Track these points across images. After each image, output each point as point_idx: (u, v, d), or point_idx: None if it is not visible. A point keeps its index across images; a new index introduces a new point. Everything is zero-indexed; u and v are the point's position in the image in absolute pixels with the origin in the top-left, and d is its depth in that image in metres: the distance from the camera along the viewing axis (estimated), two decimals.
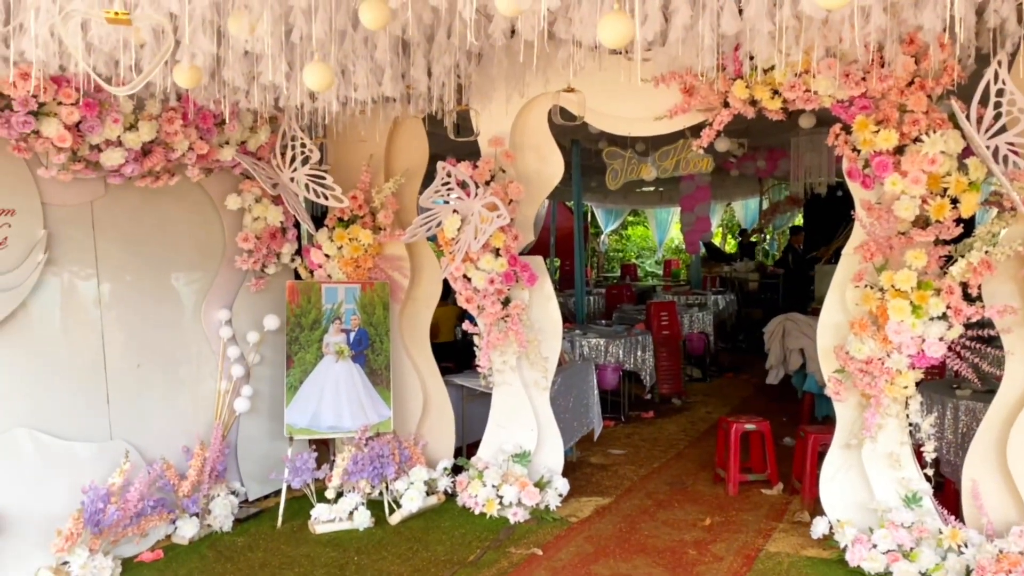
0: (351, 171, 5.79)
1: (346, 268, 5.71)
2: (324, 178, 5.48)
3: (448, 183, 5.30)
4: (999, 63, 3.97)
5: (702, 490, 5.81)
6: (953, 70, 4.09)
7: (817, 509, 4.89)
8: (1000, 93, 4.01)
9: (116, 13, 2.31)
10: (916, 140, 4.15)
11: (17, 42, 3.19)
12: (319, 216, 6.10)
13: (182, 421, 5.25)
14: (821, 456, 4.98)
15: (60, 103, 4.05)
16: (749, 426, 5.77)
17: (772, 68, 4.35)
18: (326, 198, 5.49)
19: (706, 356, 10.15)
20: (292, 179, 5.48)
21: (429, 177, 5.57)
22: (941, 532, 4.31)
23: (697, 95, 4.71)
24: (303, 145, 5.46)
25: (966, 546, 4.22)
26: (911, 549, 4.29)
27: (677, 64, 4.64)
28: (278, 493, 5.39)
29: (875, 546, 4.35)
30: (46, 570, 4.21)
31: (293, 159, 5.48)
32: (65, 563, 4.24)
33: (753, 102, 4.56)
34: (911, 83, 4.18)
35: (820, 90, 4.32)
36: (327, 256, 5.73)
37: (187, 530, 4.91)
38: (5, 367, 4.35)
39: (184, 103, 4.58)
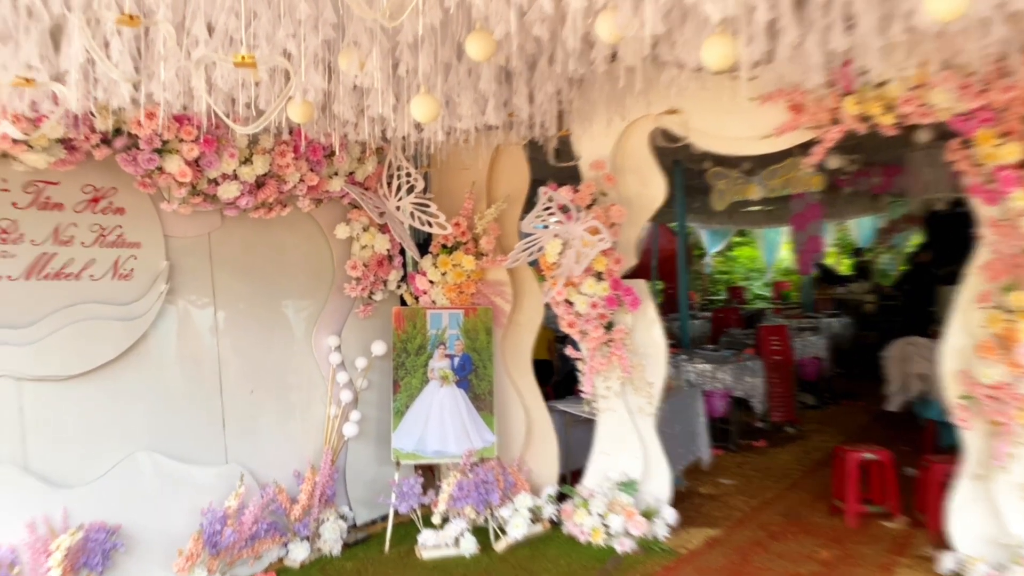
0: (454, 198, 5.88)
1: (450, 294, 5.79)
2: (428, 206, 5.60)
3: (549, 208, 5.30)
4: None
5: (818, 522, 5.56)
6: None
7: (943, 544, 4.61)
8: None
9: (243, 58, 2.49)
10: None
11: (146, 85, 3.39)
12: (423, 243, 6.22)
13: (293, 445, 5.39)
14: (947, 487, 4.70)
15: (182, 140, 4.27)
16: (868, 455, 5.50)
17: (885, 83, 4.19)
18: (430, 225, 5.60)
19: (820, 382, 9.77)
20: (398, 208, 5.61)
21: (530, 203, 5.60)
22: None
23: (806, 112, 4.58)
24: (408, 174, 5.59)
25: None
26: None
27: (784, 82, 4.52)
28: (385, 518, 5.46)
29: None
30: None
31: (399, 188, 5.62)
32: None
33: (865, 118, 4.40)
34: None
35: (937, 103, 4.13)
36: (431, 282, 5.83)
37: (298, 553, 5.02)
38: (128, 392, 4.58)
39: (295, 137, 4.76)
